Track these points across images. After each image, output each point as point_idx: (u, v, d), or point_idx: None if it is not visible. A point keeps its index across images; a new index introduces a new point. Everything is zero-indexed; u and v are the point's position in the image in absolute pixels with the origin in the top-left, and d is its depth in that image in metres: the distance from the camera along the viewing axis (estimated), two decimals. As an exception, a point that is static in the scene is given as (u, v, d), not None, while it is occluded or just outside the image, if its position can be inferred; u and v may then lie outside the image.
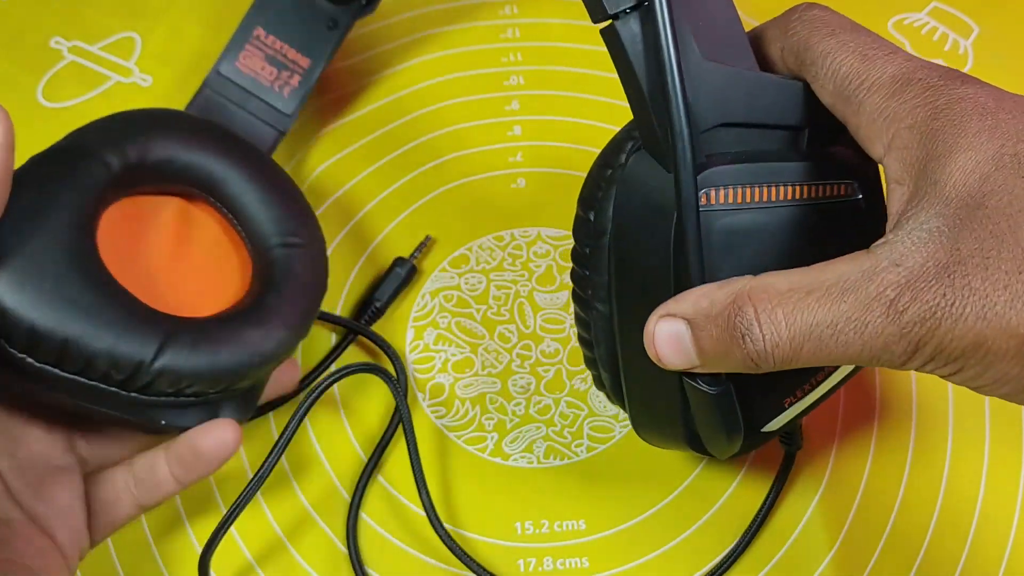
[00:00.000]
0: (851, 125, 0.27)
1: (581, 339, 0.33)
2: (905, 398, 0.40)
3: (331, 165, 0.45)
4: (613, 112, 0.47)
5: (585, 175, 0.31)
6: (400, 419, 0.37)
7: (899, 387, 0.40)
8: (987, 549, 0.37)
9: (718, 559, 0.36)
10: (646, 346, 0.27)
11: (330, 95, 0.47)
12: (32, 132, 0.47)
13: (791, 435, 0.35)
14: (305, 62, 0.39)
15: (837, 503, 0.37)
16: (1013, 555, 0.36)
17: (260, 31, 0.38)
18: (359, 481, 0.38)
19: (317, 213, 0.43)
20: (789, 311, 0.24)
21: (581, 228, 0.31)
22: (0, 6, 0.50)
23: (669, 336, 0.26)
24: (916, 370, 0.24)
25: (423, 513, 0.36)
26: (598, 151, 0.31)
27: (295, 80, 0.39)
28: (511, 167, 0.45)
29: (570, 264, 0.32)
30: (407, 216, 0.44)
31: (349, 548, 0.36)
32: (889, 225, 0.25)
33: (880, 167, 0.27)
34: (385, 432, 0.38)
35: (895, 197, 0.25)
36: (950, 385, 0.40)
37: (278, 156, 0.45)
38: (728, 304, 0.25)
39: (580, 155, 0.45)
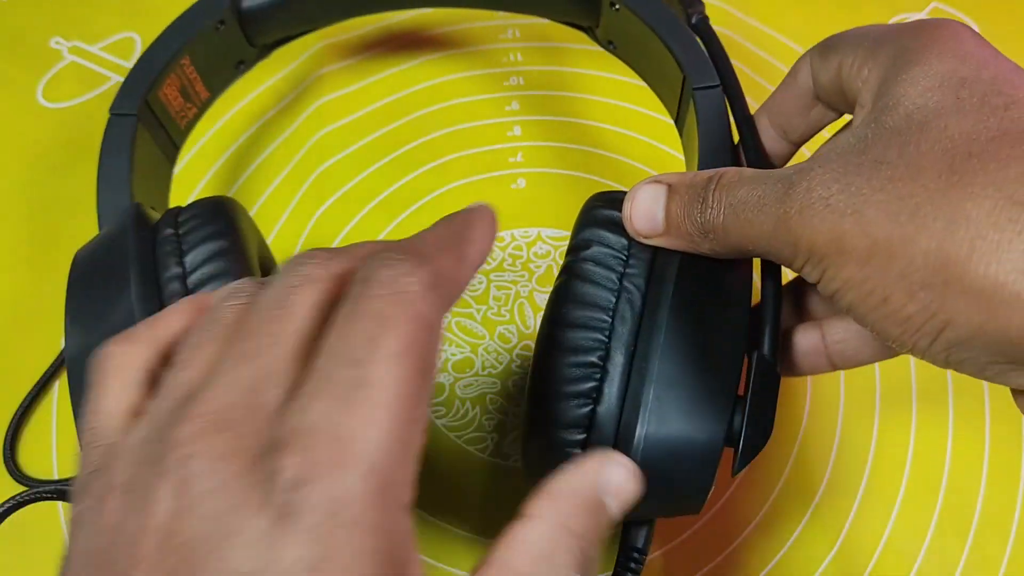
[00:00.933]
0: (845, 67, 0.26)
1: (570, 324, 0.27)
2: (905, 398, 0.40)
3: (331, 165, 0.45)
4: (613, 112, 0.47)
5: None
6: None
7: (899, 384, 0.40)
8: (987, 549, 0.37)
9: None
10: (624, 203, 0.27)
11: (330, 95, 0.48)
12: (32, 132, 0.47)
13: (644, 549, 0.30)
14: (205, 95, 0.38)
15: (837, 503, 0.38)
16: (1013, 555, 0.36)
17: (186, 59, 0.35)
18: (359, 481, 0.38)
19: (318, 214, 0.44)
20: (735, 189, 0.25)
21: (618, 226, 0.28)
22: (0, 6, 0.51)
23: (649, 194, 0.27)
24: (801, 271, 0.24)
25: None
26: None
27: (192, 113, 0.37)
28: (511, 167, 0.45)
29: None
30: (407, 216, 0.44)
31: (349, 548, 0.36)
32: None
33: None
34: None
35: (856, 120, 0.25)
36: (950, 381, 0.40)
37: (279, 157, 0.46)
38: (706, 178, 0.26)
39: (580, 155, 0.45)
